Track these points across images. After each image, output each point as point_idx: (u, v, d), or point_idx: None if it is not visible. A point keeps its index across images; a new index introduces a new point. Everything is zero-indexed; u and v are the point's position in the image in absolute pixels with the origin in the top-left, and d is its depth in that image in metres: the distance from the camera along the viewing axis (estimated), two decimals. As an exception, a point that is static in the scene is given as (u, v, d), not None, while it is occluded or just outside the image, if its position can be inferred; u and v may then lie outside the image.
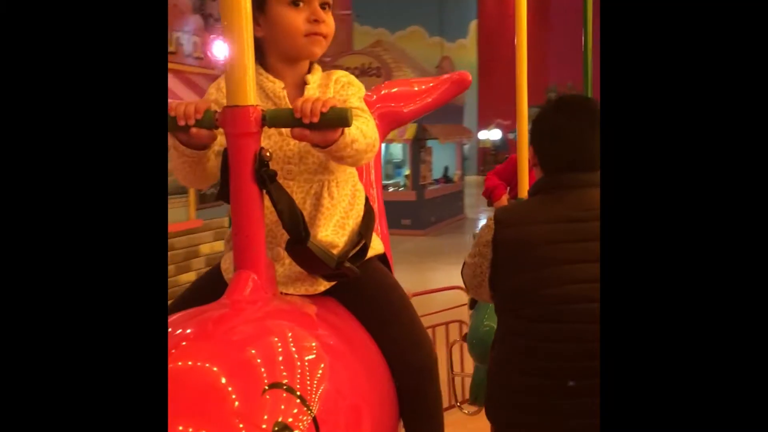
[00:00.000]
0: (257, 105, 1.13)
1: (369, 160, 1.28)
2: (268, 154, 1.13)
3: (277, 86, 1.31)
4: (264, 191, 1.14)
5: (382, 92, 1.84)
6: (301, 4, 1.28)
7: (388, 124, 1.78)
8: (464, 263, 1.82)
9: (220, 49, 5.23)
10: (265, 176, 1.12)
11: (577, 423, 1.60)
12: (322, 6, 1.30)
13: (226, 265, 1.34)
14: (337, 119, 1.10)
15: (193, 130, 1.13)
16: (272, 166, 1.26)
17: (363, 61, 10.24)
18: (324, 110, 1.08)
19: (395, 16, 19.47)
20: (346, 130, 1.12)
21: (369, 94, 1.79)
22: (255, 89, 1.13)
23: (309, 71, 1.36)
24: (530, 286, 1.72)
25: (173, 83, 5.11)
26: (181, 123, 1.12)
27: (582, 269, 1.65)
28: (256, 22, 1.26)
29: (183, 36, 5.42)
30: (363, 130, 1.19)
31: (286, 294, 1.28)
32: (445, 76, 1.84)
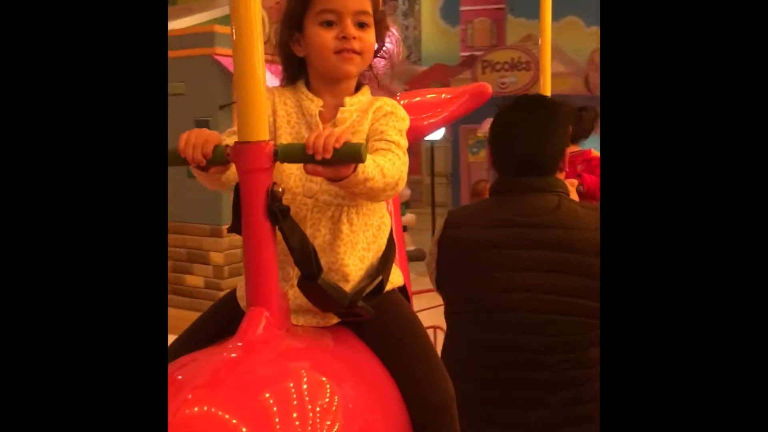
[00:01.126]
0: (269, 140, 1.11)
1: (389, 198, 1.24)
2: (280, 189, 1.11)
3: (314, 105, 1.30)
4: (276, 227, 1.12)
5: (402, 103, 1.81)
6: (334, 23, 1.26)
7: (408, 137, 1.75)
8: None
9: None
10: (278, 212, 1.10)
11: None
12: (360, 24, 1.28)
13: (241, 293, 1.32)
14: (351, 155, 1.07)
15: (211, 169, 1.12)
16: (293, 182, 1.25)
17: (512, 55, 10.17)
18: (337, 146, 1.05)
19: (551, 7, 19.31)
20: (361, 166, 1.09)
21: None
22: (266, 124, 1.11)
23: (355, 92, 1.33)
24: (473, 290, 1.72)
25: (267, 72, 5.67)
26: (193, 167, 1.11)
27: (527, 277, 1.64)
28: (296, 42, 1.29)
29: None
30: (383, 169, 1.15)
31: (298, 326, 1.26)
32: (465, 87, 1.80)
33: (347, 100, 1.31)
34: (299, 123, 1.30)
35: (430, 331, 3.55)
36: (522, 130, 1.72)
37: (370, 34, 1.29)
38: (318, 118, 1.29)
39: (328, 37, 1.26)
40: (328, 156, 1.05)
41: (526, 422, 1.64)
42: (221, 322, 1.30)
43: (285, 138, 1.29)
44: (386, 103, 1.32)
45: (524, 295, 1.64)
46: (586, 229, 1.63)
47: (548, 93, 2.30)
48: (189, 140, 1.10)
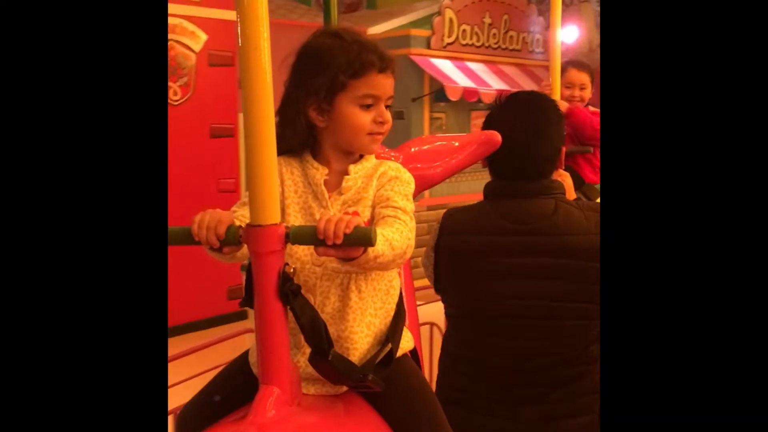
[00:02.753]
0: (281, 223, 1.12)
1: (397, 267, 1.26)
2: (292, 270, 1.13)
3: (319, 174, 1.31)
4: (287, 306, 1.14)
5: (412, 150, 1.81)
6: (372, 106, 1.29)
7: (415, 187, 1.75)
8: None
9: (566, 34, 6.66)
10: (289, 292, 1.12)
11: None
12: (387, 106, 1.32)
13: (254, 359, 1.34)
14: (361, 240, 1.08)
15: (225, 249, 1.14)
16: (302, 251, 1.26)
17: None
18: (347, 231, 1.06)
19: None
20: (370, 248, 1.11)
21: (395, 154, 1.76)
22: (278, 207, 1.12)
23: (358, 160, 1.35)
24: (470, 297, 1.72)
25: (517, 74, 7.22)
26: (206, 248, 1.12)
27: (524, 284, 1.64)
28: (320, 112, 1.29)
29: (528, 35, 7.54)
30: (392, 243, 1.16)
31: (309, 395, 1.28)
32: (474, 135, 1.80)
33: (351, 168, 1.33)
34: (306, 192, 1.31)
35: (426, 328, 3.58)
36: (516, 132, 1.69)
37: (389, 113, 1.33)
38: (323, 187, 1.31)
39: (366, 120, 1.29)
40: (339, 242, 1.06)
41: (526, 416, 1.66)
42: (233, 387, 1.32)
43: (293, 207, 1.31)
44: (390, 167, 1.34)
45: (521, 302, 1.64)
46: (583, 233, 1.62)
47: (557, 96, 2.32)
48: (202, 222, 1.11)
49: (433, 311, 3.64)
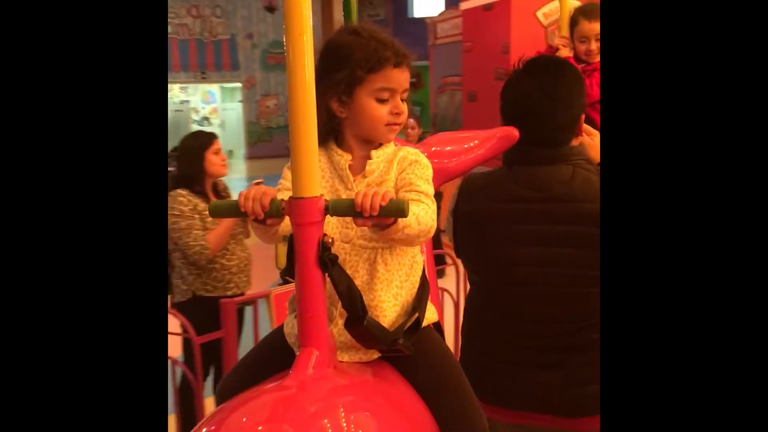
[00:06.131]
0: (321, 195, 1.22)
1: (420, 243, 1.36)
2: (330, 240, 1.22)
3: (343, 160, 1.41)
4: (326, 274, 1.23)
5: (432, 149, 1.91)
6: (388, 99, 1.39)
7: (435, 180, 1.85)
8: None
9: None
10: (327, 260, 1.22)
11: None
12: (402, 98, 1.41)
13: (288, 329, 1.43)
14: (395, 211, 1.18)
15: (268, 221, 1.23)
16: (331, 229, 1.36)
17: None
18: (383, 203, 1.16)
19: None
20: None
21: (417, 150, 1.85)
22: (319, 181, 1.22)
23: (379, 146, 1.44)
24: (488, 263, 1.76)
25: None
26: (251, 218, 1.22)
27: (539, 251, 1.66)
28: (341, 104, 1.39)
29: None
30: (419, 217, 1.26)
31: (343, 362, 1.37)
32: (494, 130, 1.89)
33: (374, 153, 1.43)
34: (332, 177, 1.42)
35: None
36: (533, 98, 1.68)
37: (406, 105, 1.43)
38: (348, 171, 1.41)
39: (383, 112, 1.39)
40: (375, 213, 1.16)
41: (546, 382, 1.68)
42: (270, 358, 1.41)
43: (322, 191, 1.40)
44: (409, 152, 1.44)
45: (536, 269, 1.66)
46: (599, 201, 1.56)
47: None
48: (248, 195, 1.22)
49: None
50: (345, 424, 1.11)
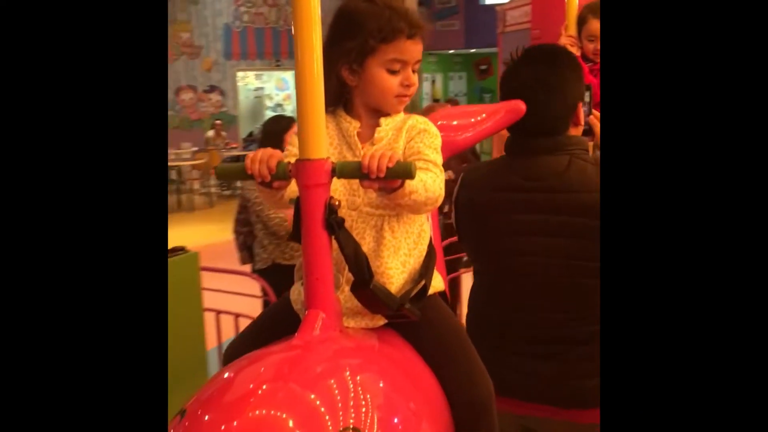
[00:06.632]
0: (327, 157, 1.22)
1: (427, 211, 1.35)
2: (337, 203, 1.22)
3: (352, 127, 1.41)
4: (333, 236, 1.23)
5: (439, 123, 1.90)
6: (399, 71, 1.37)
7: (443, 153, 1.84)
8: None
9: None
10: (334, 223, 1.21)
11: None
12: (414, 70, 1.40)
13: (295, 296, 1.43)
14: (402, 172, 1.18)
15: (275, 184, 1.23)
16: (338, 196, 1.35)
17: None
18: (390, 165, 1.16)
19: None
20: (407, 181, 1.20)
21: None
22: (326, 142, 1.22)
23: (388, 114, 1.43)
24: (487, 253, 1.78)
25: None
26: (258, 181, 1.22)
27: (536, 242, 1.66)
28: (351, 71, 1.38)
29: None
30: (426, 184, 1.26)
31: (349, 327, 1.37)
32: (500, 104, 1.88)
33: (382, 120, 1.42)
34: (340, 144, 1.41)
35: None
36: (528, 88, 1.69)
37: (416, 77, 1.42)
38: (356, 138, 1.40)
39: (393, 83, 1.38)
40: (382, 175, 1.16)
41: (545, 373, 1.69)
42: (276, 324, 1.41)
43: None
44: (418, 121, 1.43)
45: (534, 259, 1.66)
46: (596, 191, 1.58)
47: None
48: (255, 157, 1.21)
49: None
50: (352, 386, 1.10)
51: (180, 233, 3.79)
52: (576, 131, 1.76)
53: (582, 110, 1.76)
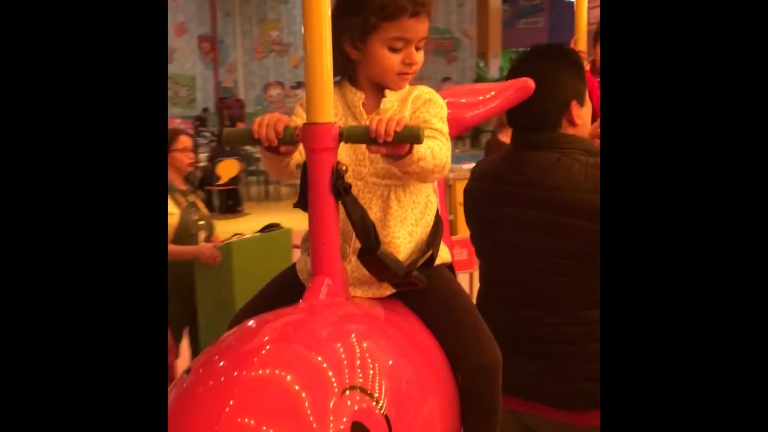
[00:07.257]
0: (335, 122, 1.21)
1: (435, 180, 1.35)
2: (344, 168, 1.22)
3: (357, 98, 1.40)
4: (339, 202, 1.23)
5: (447, 101, 1.89)
6: (400, 49, 1.36)
7: (450, 130, 1.83)
8: None
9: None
10: (341, 188, 1.21)
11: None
12: (417, 48, 1.38)
13: (301, 266, 1.43)
14: (410, 137, 1.17)
15: (282, 148, 1.23)
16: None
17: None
18: (398, 129, 1.15)
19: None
20: (415, 147, 1.20)
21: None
22: (332, 107, 1.21)
23: None
24: (480, 244, 1.82)
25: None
26: (265, 145, 1.22)
27: (521, 236, 1.67)
28: (354, 47, 1.37)
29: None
30: (434, 151, 1.25)
31: (356, 297, 1.36)
32: (510, 82, 1.87)
33: (388, 91, 1.41)
34: (346, 115, 1.40)
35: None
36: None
37: (421, 54, 1.40)
38: (362, 108, 1.39)
39: (395, 61, 1.37)
40: (390, 140, 1.15)
41: (529, 370, 1.68)
42: (282, 293, 1.41)
43: None
44: (424, 91, 1.42)
45: (519, 252, 1.67)
46: (576, 190, 1.59)
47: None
48: (262, 121, 1.21)
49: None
50: (358, 351, 1.10)
51: (269, 219, 3.84)
52: (575, 131, 1.73)
53: (580, 111, 1.73)
